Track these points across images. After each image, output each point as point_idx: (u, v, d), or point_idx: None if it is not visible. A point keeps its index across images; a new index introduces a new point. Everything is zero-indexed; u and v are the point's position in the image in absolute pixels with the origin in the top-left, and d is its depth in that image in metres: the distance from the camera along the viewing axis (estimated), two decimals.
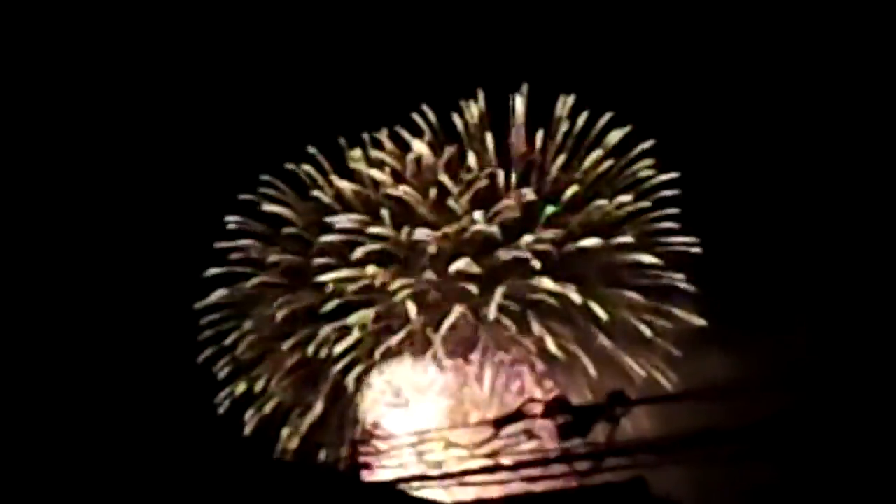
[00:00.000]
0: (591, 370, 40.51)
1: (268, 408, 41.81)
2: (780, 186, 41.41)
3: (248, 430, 41.44)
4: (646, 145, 43.52)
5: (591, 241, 42.09)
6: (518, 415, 18.61)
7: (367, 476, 22.26)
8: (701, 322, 40.90)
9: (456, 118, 43.78)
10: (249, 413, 41.88)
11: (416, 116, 43.93)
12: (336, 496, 19.44)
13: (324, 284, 42.06)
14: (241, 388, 42.01)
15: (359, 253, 42.05)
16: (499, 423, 18.74)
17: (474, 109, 43.38)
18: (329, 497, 19.29)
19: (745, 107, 42.79)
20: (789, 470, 27.95)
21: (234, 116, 44.28)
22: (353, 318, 41.31)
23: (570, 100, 43.46)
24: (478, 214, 41.63)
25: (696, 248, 41.49)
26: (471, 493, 20.35)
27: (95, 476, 19.55)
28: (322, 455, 39.64)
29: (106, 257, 42.87)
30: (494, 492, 19.78)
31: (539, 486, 19.30)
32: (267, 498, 18.52)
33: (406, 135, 44.03)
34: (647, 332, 40.89)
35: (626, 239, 42.05)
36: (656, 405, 24.33)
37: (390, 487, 20.32)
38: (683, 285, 41.30)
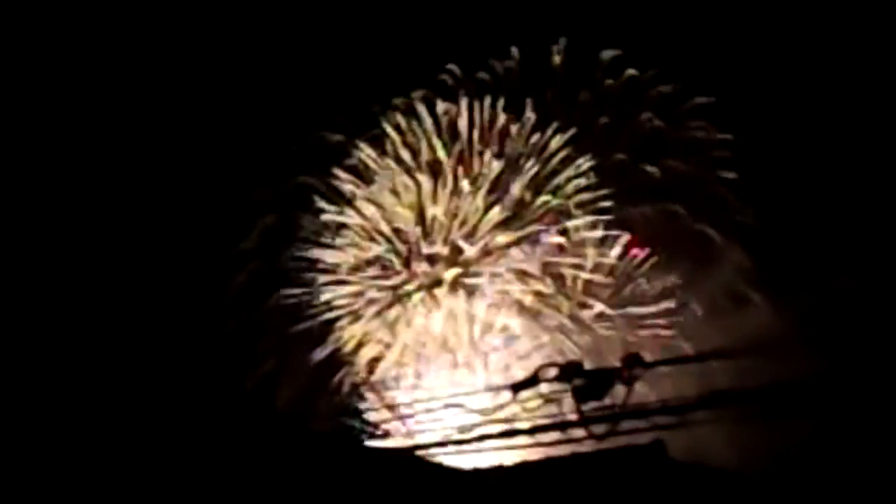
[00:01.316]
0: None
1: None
2: (823, 149, 40.98)
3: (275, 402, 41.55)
4: (702, 101, 42.54)
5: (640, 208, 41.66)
6: (534, 379, 18.39)
7: (385, 442, 22.18)
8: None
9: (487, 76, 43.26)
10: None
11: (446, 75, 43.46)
12: (351, 464, 19.34)
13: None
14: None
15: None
16: (515, 388, 18.52)
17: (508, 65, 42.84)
18: (344, 465, 19.19)
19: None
20: (824, 429, 27.75)
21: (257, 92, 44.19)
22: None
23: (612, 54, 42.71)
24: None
25: (749, 217, 41.00)
26: (488, 460, 20.19)
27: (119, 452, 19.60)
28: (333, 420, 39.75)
29: (135, 235, 43.06)
30: (512, 457, 19.66)
31: (557, 451, 19.09)
32: (273, 463, 18.47)
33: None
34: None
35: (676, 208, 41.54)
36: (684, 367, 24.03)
37: (407, 454, 20.25)
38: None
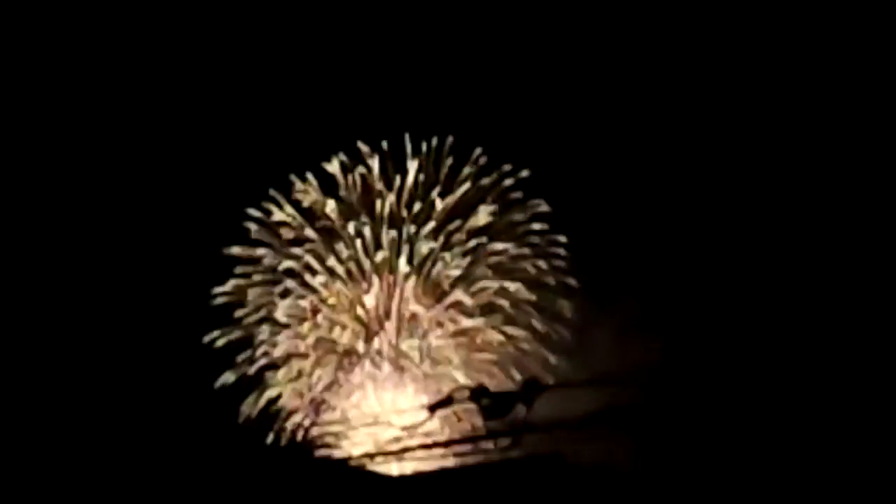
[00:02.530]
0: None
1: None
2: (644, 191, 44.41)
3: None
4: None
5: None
6: (448, 399, 21.80)
7: (321, 453, 25.43)
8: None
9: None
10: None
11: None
12: (294, 473, 22.60)
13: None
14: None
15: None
16: (432, 408, 21.92)
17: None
18: (288, 475, 22.42)
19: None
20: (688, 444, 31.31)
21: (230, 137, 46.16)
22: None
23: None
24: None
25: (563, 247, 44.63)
26: (411, 468, 23.64)
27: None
28: (279, 433, 42.73)
29: (124, 255, 44.86)
30: (430, 466, 23.08)
31: (469, 460, 22.57)
32: (226, 475, 21.62)
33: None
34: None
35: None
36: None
37: (344, 464, 23.59)
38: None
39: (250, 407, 43.21)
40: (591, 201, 43.71)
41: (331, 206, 45.55)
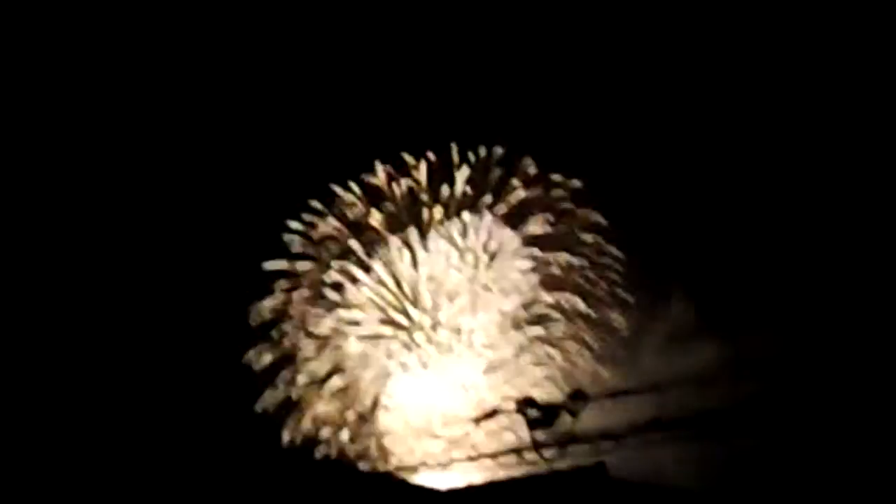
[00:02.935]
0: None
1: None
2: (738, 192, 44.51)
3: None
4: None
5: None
6: (494, 412, 21.95)
7: (366, 466, 25.58)
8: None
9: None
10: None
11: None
12: (339, 485, 22.68)
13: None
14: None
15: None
16: (478, 420, 22.07)
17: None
18: (332, 486, 22.53)
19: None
20: (734, 451, 31.21)
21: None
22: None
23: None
24: None
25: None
26: (458, 481, 23.70)
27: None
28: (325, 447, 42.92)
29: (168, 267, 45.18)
30: (478, 478, 23.14)
31: (515, 472, 22.62)
32: (267, 488, 21.77)
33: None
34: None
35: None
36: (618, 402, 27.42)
37: (390, 476, 23.71)
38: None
39: (293, 431, 43.50)
40: (642, 211, 43.88)
41: (376, 217, 45.78)
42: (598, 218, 44.78)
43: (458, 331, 44.45)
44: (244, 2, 47.62)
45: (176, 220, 46.19)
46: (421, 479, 23.98)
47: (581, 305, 44.51)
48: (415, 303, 45.23)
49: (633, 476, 24.84)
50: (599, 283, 44.50)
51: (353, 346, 44.89)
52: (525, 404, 21.69)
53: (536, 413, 21.58)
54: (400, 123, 46.26)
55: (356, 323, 44.98)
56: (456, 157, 45.62)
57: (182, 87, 47.67)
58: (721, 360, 36.96)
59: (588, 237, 44.93)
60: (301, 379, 44.47)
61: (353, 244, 45.27)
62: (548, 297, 44.27)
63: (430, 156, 45.37)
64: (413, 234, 45.10)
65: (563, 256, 44.87)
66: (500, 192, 45.37)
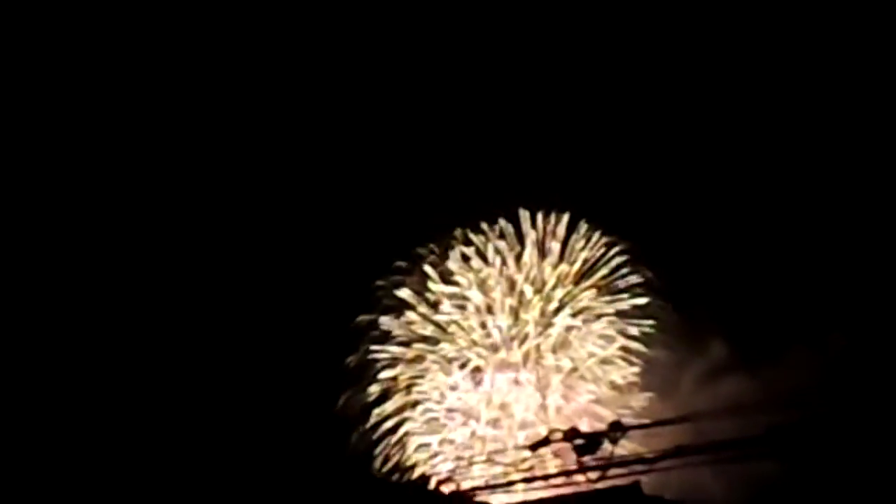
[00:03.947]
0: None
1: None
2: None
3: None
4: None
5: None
6: (546, 440, 25.73)
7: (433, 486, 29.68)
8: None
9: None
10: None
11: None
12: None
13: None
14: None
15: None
16: (532, 447, 25.91)
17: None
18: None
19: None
20: (763, 474, 34.66)
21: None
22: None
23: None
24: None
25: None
26: (514, 498, 27.70)
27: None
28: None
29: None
30: (532, 496, 27.12)
31: (564, 490, 26.57)
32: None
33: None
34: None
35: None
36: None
37: (459, 495, 27.73)
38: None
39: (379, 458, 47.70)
40: (682, 266, 47.37)
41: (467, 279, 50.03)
42: (647, 273, 49.02)
43: (523, 360, 48.52)
44: (344, 63, 50.93)
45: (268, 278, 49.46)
46: (485, 498, 28.03)
47: (632, 345, 48.77)
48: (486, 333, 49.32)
49: (668, 494, 28.66)
50: (644, 326, 48.70)
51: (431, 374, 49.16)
52: (572, 434, 25.38)
53: (582, 440, 25.26)
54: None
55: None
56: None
57: (277, 152, 50.91)
58: (752, 392, 40.66)
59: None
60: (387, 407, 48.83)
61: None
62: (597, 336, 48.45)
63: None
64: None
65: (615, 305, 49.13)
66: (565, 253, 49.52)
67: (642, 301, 49.74)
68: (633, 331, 49.58)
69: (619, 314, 49.84)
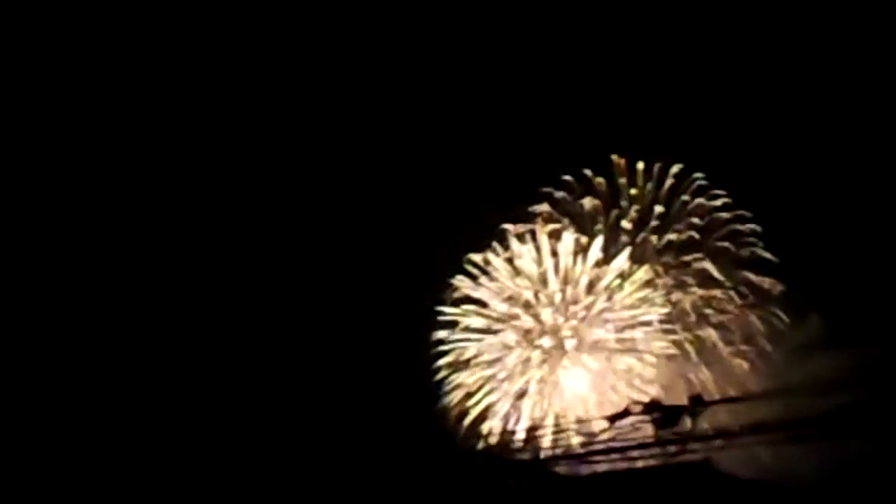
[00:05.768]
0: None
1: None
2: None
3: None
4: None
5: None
6: (625, 412, 25.91)
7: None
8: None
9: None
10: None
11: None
12: (491, 474, 27.21)
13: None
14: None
15: None
16: (611, 419, 26.10)
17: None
18: (485, 475, 27.06)
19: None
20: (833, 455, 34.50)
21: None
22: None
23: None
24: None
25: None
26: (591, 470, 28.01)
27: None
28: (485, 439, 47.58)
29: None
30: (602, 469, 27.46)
31: (639, 464, 26.84)
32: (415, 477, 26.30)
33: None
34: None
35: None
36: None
37: (537, 464, 28.10)
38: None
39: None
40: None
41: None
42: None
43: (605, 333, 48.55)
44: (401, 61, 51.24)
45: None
46: (563, 469, 28.38)
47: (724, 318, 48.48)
48: (561, 306, 49.40)
49: (754, 472, 28.66)
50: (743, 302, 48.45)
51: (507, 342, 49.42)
52: (652, 407, 25.53)
53: (661, 414, 25.40)
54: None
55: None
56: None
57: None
58: (844, 369, 40.27)
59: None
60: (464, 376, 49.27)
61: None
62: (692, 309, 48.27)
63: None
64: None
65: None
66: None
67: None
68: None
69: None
